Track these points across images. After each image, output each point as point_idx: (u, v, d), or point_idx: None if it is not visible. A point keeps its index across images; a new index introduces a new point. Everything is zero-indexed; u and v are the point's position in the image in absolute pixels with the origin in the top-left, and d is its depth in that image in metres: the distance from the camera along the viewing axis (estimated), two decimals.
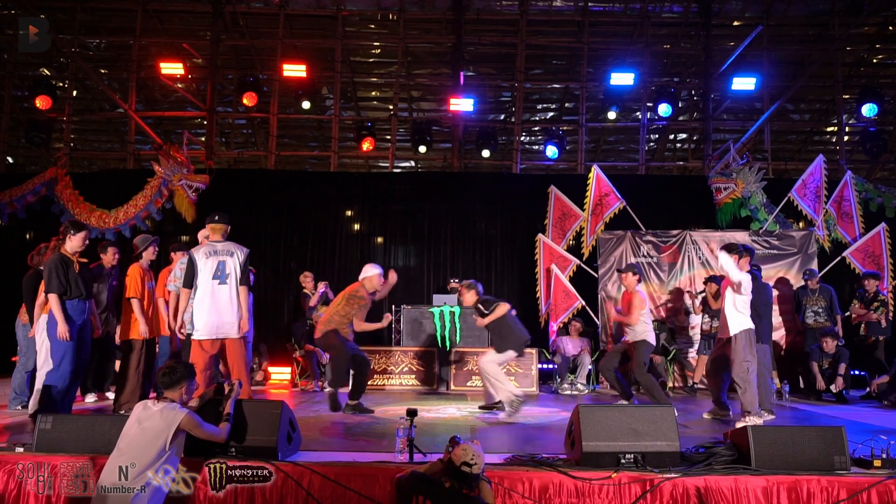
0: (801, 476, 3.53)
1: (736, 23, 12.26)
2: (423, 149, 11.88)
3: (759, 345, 6.46)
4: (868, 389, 7.73)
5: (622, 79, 11.34)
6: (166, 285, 6.36)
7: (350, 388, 6.27)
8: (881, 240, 9.25)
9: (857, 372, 8.78)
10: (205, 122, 12.40)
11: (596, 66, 12.68)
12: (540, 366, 8.55)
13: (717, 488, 3.47)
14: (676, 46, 12.59)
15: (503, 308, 6.25)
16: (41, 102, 10.98)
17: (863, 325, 8.04)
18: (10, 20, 11.68)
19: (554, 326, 9.32)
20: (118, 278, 6.62)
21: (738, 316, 5.61)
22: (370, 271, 6.48)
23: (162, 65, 11.16)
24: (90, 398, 6.82)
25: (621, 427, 3.69)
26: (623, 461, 3.60)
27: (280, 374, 9.25)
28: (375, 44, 12.98)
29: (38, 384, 5.01)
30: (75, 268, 5.00)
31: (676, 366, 8.78)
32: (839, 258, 9.23)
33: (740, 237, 9.13)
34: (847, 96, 12.44)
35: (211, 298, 4.94)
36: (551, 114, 14.54)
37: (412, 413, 4.11)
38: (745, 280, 5.61)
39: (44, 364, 5.05)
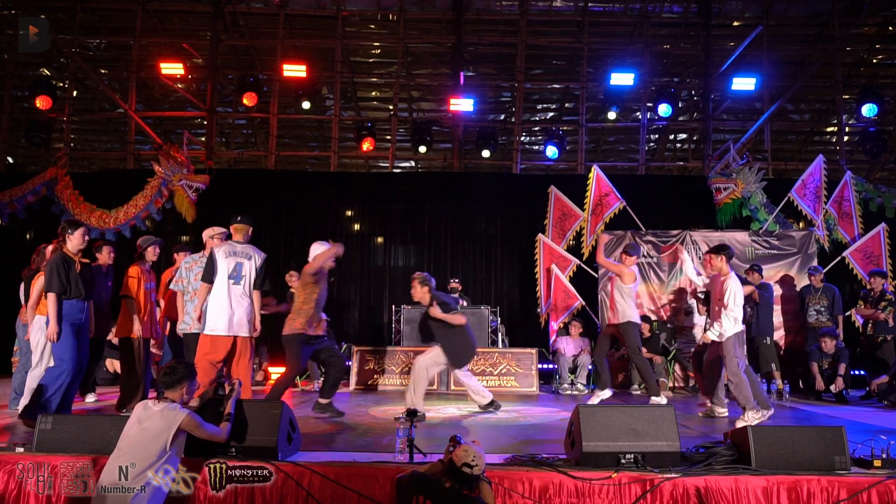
0: (801, 476, 3.52)
1: (736, 23, 12.26)
2: (423, 149, 11.89)
3: (754, 338, 7.08)
4: (868, 389, 7.72)
5: (622, 79, 11.34)
6: (170, 285, 6.35)
7: (322, 384, 6.08)
8: (881, 240, 9.25)
9: (858, 372, 8.78)
10: (205, 122, 12.41)
11: (596, 66, 12.68)
12: (540, 366, 8.55)
13: (718, 488, 3.47)
14: (676, 46, 12.59)
15: (462, 319, 5.93)
16: (41, 102, 10.99)
17: (870, 325, 7.96)
18: (10, 20, 11.69)
19: (554, 326, 9.32)
20: (113, 278, 6.59)
21: (730, 323, 5.70)
22: (320, 248, 5.74)
23: (162, 65, 11.17)
24: (90, 398, 6.82)
25: (621, 427, 3.68)
26: (623, 461, 3.60)
27: (280, 374, 9.23)
28: (375, 44, 12.98)
29: (31, 383, 5.01)
30: (77, 268, 4.98)
31: (677, 366, 8.78)
32: (839, 258, 9.23)
33: (740, 237, 9.14)
34: (847, 96, 12.44)
35: (226, 296, 5.06)
36: (551, 114, 14.55)
37: (412, 413, 4.12)
38: (706, 281, 5.87)
39: (37, 364, 5.05)
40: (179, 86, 12.48)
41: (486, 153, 11.80)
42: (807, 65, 12.34)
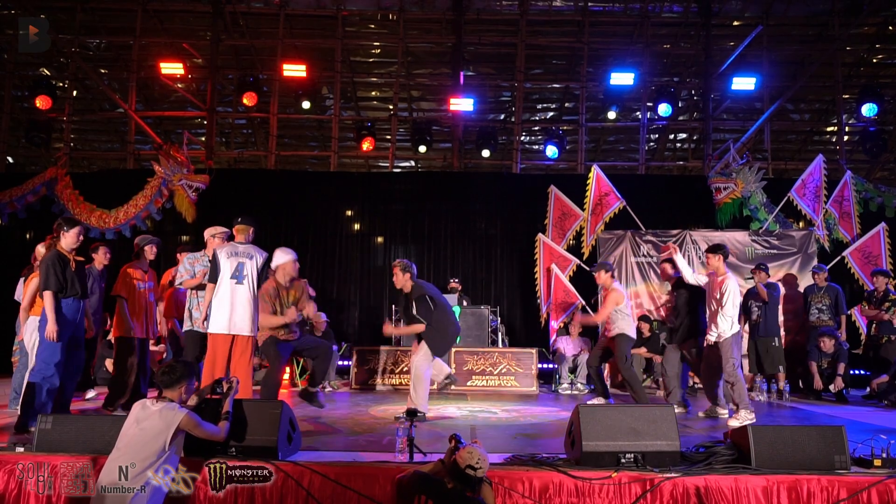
0: (801, 476, 3.53)
1: (736, 23, 12.26)
2: (423, 149, 11.89)
3: (763, 339, 7.29)
4: (868, 389, 7.71)
5: (622, 79, 11.34)
6: (173, 283, 6.34)
7: (309, 374, 5.96)
8: (880, 240, 9.24)
9: (859, 371, 8.77)
10: (205, 122, 12.41)
11: (596, 66, 12.68)
12: (540, 366, 8.56)
13: (717, 488, 3.47)
14: (676, 46, 12.59)
15: (420, 328, 5.79)
16: (41, 102, 10.99)
17: (874, 325, 7.93)
18: (10, 20, 11.68)
19: (554, 326, 9.33)
20: (107, 280, 6.57)
21: (727, 324, 5.72)
22: (283, 257, 5.46)
23: (162, 65, 11.16)
24: (91, 394, 6.83)
25: (621, 427, 3.69)
26: (623, 461, 3.60)
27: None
28: (375, 44, 12.98)
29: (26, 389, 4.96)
30: (72, 266, 4.89)
31: None
32: (839, 258, 9.23)
33: (740, 237, 9.14)
34: (847, 96, 12.44)
35: (228, 296, 5.10)
36: (551, 114, 14.54)
37: (412, 413, 4.12)
38: (702, 281, 5.95)
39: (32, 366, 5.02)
40: (179, 86, 12.48)
41: (486, 153, 11.80)
42: (807, 65, 12.33)
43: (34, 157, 13.47)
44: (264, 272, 5.29)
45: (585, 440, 3.63)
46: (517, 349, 8.65)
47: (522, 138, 13.03)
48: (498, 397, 7.71)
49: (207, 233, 5.93)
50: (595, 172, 9.60)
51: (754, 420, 5.50)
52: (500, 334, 9.29)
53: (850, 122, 12.37)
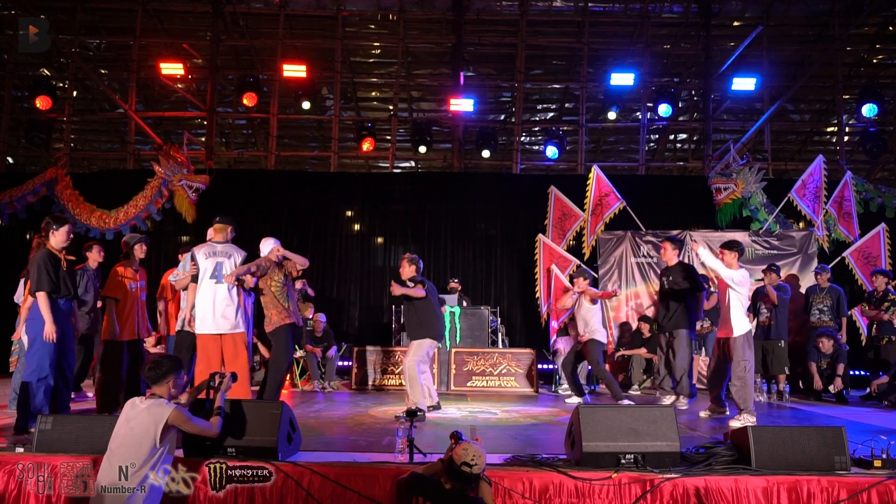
0: (801, 476, 3.52)
1: (736, 23, 12.26)
2: (423, 149, 11.89)
3: (770, 342, 7.31)
4: (868, 390, 7.71)
5: (622, 79, 11.34)
6: (169, 279, 6.32)
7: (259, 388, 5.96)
8: (880, 240, 9.23)
9: (859, 372, 8.77)
10: (205, 123, 12.41)
11: (596, 66, 12.68)
12: (540, 366, 8.56)
13: (718, 488, 3.47)
14: (676, 46, 12.59)
15: (420, 293, 6.08)
16: (41, 102, 10.99)
17: (874, 326, 7.91)
18: (10, 20, 11.68)
19: (554, 326, 9.32)
20: (101, 278, 6.54)
21: (741, 318, 5.69)
22: (268, 245, 5.58)
23: (162, 65, 11.16)
24: (90, 394, 6.82)
25: (621, 427, 3.68)
26: (623, 461, 3.60)
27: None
28: (375, 44, 12.99)
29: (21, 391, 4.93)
30: (63, 265, 4.77)
31: None
32: (839, 258, 9.23)
33: (740, 237, 9.13)
34: (847, 96, 12.44)
35: (210, 296, 5.11)
36: (551, 114, 14.55)
37: (412, 413, 4.11)
38: (737, 275, 5.70)
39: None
40: (179, 86, 12.48)
41: (486, 153, 11.81)
42: (807, 65, 12.33)
43: (34, 157, 13.47)
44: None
45: (585, 441, 3.63)
46: (517, 350, 8.65)
47: (522, 139, 13.03)
48: (498, 398, 7.71)
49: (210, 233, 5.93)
50: (595, 173, 9.60)
51: (755, 422, 5.49)
52: (500, 335, 9.29)
53: (850, 122, 12.37)
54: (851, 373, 8.12)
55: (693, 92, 13.29)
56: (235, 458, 3.64)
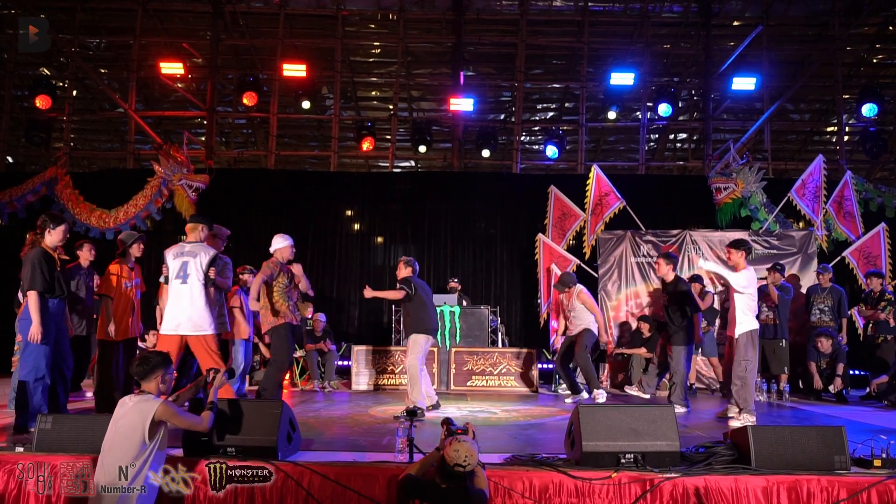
0: (801, 476, 3.52)
1: (736, 23, 12.27)
2: (423, 149, 11.89)
3: (772, 341, 7.36)
4: (868, 389, 7.71)
5: (622, 79, 11.34)
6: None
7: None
8: (880, 240, 9.23)
9: (858, 372, 8.77)
10: (205, 122, 12.41)
11: (596, 66, 12.68)
12: (540, 366, 8.56)
13: (717, 488, 3.47)
14: (676, 46, 12.60)
15: (397, 295, 6.25)
16: (41, 102, 11.00)
17: (871, 325, 7.93)
18: (10, 20, 11.69)
19: (554, 325, 9.31)
20: (93, 277, 6.52)
21: (745, 317, 5.69)
22: (281, 242, 5.90)
23: (162, 64, 11.16)
24: (89, 394, 6.82)
25: (621, 427, 3.68)
26: (623, 461, 3.59)
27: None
28: (375, 44, 12.99)
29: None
30: (57, 265, 4.67)
31: None
32: (839, 258, 9.23)
33: (740, 237, 9.13)
34: (847, 96, 12.44)
35: (175, 296, 5.02)
36: (551, 114, 14.55)
37: (412, 413, 4.11)
38: (745, 279, 5.69)
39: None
40: (179, 85, 12.48)
41: (486, 153, 11.81)
42: (807, 65, 12.33)
43: (34, 156, 13.47)
44: (209, 269, 5.08)
45: (585, 440, 3.63)
46: (517, 349, 8.65)
47: (522, 138, 13.03)
48: (498, 397, 7.71)
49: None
50: (595, 172, 9.59)
51: (755, 422, 5.49)
52: (499, 334, 9.29)
53: (850, 122, 12.38)
54: (851, 372, 8.12)
55: (693, 91, 13.29)
56: (235, 458, 3.63)
